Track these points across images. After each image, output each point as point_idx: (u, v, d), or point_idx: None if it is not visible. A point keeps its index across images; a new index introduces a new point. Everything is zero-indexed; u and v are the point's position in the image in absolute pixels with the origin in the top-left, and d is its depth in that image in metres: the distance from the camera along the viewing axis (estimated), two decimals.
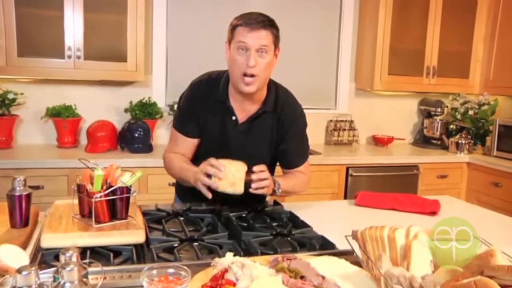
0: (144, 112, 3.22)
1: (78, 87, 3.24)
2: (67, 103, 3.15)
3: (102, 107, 3.30)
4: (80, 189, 1.38)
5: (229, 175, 1.54)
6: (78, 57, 2.93)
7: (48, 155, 2.91)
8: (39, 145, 3.19)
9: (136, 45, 3.03)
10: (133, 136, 3.04)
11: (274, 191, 1.71)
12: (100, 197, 1.32)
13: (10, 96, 2.99)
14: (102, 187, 1.34)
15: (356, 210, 1.92)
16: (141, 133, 3.06)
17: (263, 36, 1.59)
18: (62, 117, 3.05)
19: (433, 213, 1.83)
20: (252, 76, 1.60)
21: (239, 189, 1.54)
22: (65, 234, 1.25)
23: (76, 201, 1.41)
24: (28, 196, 1.34)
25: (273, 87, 1.79)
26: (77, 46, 2.92)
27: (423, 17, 3.67)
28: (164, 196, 2.50)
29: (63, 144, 3.11)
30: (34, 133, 3.22)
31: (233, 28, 1.63)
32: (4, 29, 2.81)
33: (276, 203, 1.83)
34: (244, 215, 1.67)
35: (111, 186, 1.36)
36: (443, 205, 1.94)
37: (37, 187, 2.69)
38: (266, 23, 1.60)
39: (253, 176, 1.58)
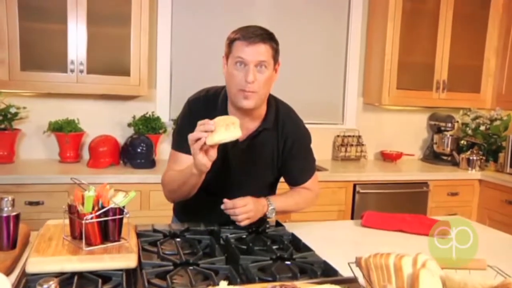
0: (147, 126, 3.17)
1: (81, 101, 3.20)
2: (70, 117, 3.11)
3: (105, 122, 3.26)
4: (71, 209, 1.32)
5: (220, 122, 1.41)
6: (81, 71, 2.90)
7: (49, 170, 2.87)
8: (41, 159, 3.15)
9: (140, 59, 2.99)
10: (135, 151, 2.99)
11: (265, 215, 1.66)
12: (91, 218, 1.25)
13: (12, 110, 2.96)
14: (93, 208, 1.28)
15: (362, 232, 1.84)
16: (144, 148, 3.00)
17: (262, 51, 1.52)
18: (64, 131, 3.01)
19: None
20: (250, 92, 1.54)
21: (235, 132, 1.41)
22: (52, 258, 1.19)
23: (67, 221, 1.35)
24: (17, 217, 1.28)
25: (273, 103, 1.72)
26: (80, 60, 2.89)
27: (432, 29, 3.60)
28: (166, 213, 2.42)
29: (65, 159, 3.07)
30: (37, 148, 3.18)
31: (230, 42, 1.57)
32: (8, 43, 2.79)
33: (278, 223, 1.76)
34: (244, 236, 1.60)
35: (103, 207, 1.30)
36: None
37: (37, 203, 2.65)
38: (265, 36, 1.54)
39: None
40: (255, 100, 1.56)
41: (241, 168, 1.69)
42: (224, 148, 1.68)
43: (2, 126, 2.96)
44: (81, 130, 3.12)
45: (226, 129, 1.39)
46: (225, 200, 1.59)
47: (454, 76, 3.69)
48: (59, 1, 2.84)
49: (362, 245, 1.67)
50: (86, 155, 3.14)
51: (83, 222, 1.24)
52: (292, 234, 1.61)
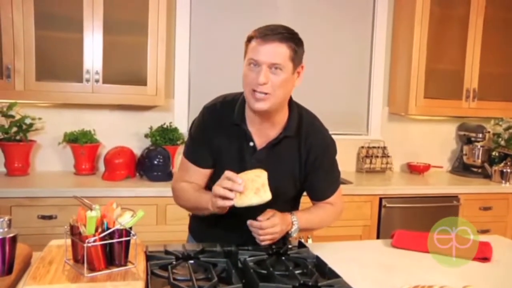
0: (164, 138, 3.07)
1: (97, 112, 3.13)
2: (86, 128, 3.04)
3: (121, 133, 3.17)
4: (74, 230, 1.20)
5: (249, 184, 1.36)
6: (97, 81, 2.82)
7: (63, 183, 2.78)
8: (56, 172, 3.07)
9: (157, 68, 2.90)
10: (152, 164, 2.89)
11: (288, 233, 1.53)
12: (94, 241, 1.13)
13: (27, 121, 2.90)
14: (97, 230, 1.17)
15: (393, 253, 1.68)
16: (161, 160, 2.90)
17: (277, 52, 1.40)
18: (80, 143, 2.93)
19: (485, 259, 1.57)
20: (262, 93, 1.43)
21: (266, 196, 1.36)
22: (49, 287, 1.07)
23: (70, 242, 1.24)
24: (13, 239, 1.17)
25: (296, 109, 1.60)
26: (96, 69, 2.81)
27: (462, 35, 3.43)
28: (183, 228, 2.32)
29: (80, 171, 2.98)
30: (52, 160, 3.11)
31: (248, 40, 1.48)
32: (24, 53, 2.73)
33: (301, 244, 1.62)
34: (264, 258, 1.46)
35: (108, 228, 1.18)
36: (494, 247, 1.68)
37: (50, 217, 2.57)
38: (285, 36, 1.41)
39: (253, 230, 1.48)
40: (269, 102, 1.44)
41: None
42: (240, 158, 1.57)
43: (17, 137, 2.90)
44: (97, 141, 3.04)
45: (256, 193, 1.35)
46: (250, 222, 1.48)
47: (485, 84, 3.51)
48: (76, 9, 2.77)
49: (394, 270, 1.51)
50: (102, 167, 3.05)
51: (85, 245, 1.12)
52: (317, 257, 1.47)
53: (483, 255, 1.59)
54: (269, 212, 1.48)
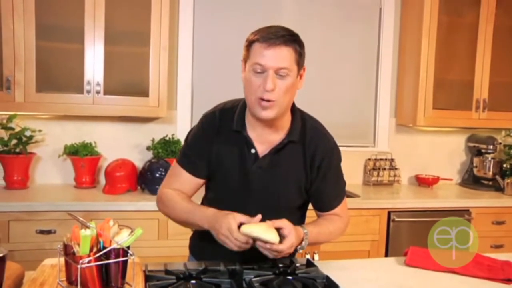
0: (167, 150, 3.00)
1: (98, 124, 3.06)
2: (87, 140, 2.97)
3: (123, 145, 3.11)
4: (67, 250, 1.12)
5: (262, 224, 1.34)
6: (98, 92, 2.76)
7: (62, 197, 2.71)
8: (56, 185, 3.00)
9: (159, 79, 2.83)
10: (154, 177, 2.82)
11: (296, 249, 1.44)
12: (88, 262, 1.05)
13: (27, 133, 2.83)
14: (91, 250, 1.09)
15: (407, 273, 1.59)
16: (163, 173, 2.82)
17: (283, 55, 1.35)
18: (80, 155, 2.86)
19: (509, 280, 1.48)
20: (269, 101, 1.36)
21: (275, 237, 1.32)
22: None
23: (64, 262, 1.16)
24: (2, 260, 1.09)
25: (298, 114, 1.54)
26: (97, 80, 2.75)
27: (471, 44, 3.35)
28: (185, 243, 2.24)
29: (80, 184, 2.91)
30: (52, 172, 3.04)
31: (249, 44, 1.42)
32: (24, 64, 2.67)
33: (309, 262, 1.53)
34: (271, 278, 1.38)
35: (104, 248, 1.10)
36: None
37: (48, 232, 2.50)
38: (287, 38, 1.37)
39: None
40: (275, 110, 1.39)
41: (262, 189, 1.50)
42: (242, 167, 1.50)
43: (17, 150, 2.83)
44: (98, 153, 2.97)
45: (266, 230, 1.32)
46: (270, 246, 1.35)
47: (496, 94, 3.42)
48: (77, 20, 2.72)
49: None
50: (102, 180, 2.98)
51: (79, 266, 1.04)
52: (327, 277, 1.38)
53: (506, 276, 1.49)
54: (284, 222, 1.39)
